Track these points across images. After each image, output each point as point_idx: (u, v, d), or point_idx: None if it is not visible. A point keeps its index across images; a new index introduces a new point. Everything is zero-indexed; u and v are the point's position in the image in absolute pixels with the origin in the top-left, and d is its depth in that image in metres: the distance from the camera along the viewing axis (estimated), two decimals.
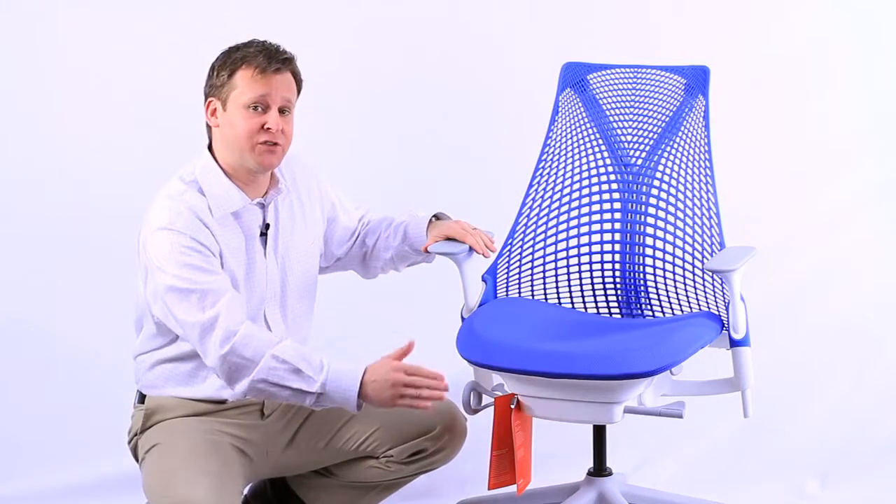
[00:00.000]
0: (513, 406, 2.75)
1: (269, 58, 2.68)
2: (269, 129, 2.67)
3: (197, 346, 2.61)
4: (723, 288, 2.87)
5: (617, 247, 3.09)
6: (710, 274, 2.93)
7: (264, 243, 2.77)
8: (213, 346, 2.56)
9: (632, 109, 3.11)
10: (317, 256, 2.90)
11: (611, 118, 3.11)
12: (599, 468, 3.03)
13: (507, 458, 2.78)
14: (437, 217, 3.00)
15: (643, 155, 3.08)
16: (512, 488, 2.81)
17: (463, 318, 2.96)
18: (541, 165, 3.13)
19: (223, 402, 2.77)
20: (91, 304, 3.71)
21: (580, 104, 3.13)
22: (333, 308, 3.11)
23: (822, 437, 3.62)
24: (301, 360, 2.56)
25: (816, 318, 3.81)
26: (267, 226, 2.77)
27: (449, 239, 2.94)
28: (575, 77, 3.14)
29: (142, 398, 2.79)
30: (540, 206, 3.12)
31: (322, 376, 2.56)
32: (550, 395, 2.73)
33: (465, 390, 2.89)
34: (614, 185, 3.09)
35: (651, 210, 3.06)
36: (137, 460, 2.80)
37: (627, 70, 3.13)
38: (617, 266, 3.09)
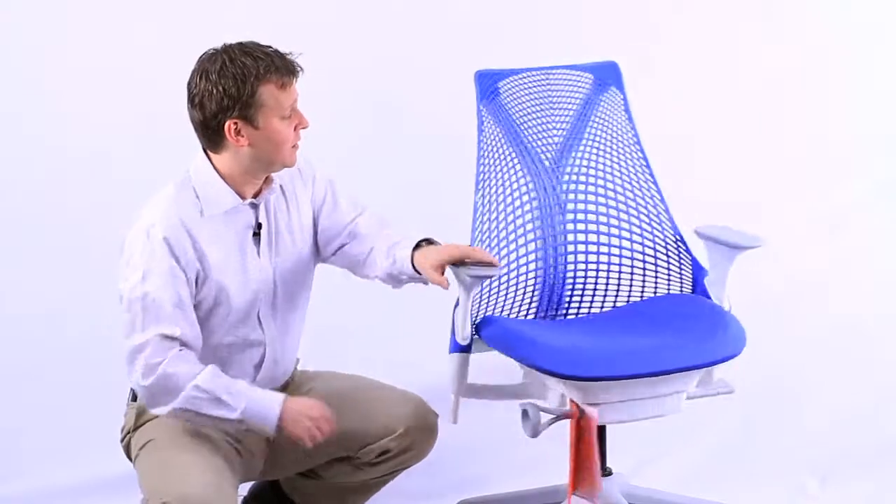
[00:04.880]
0: (580, 418, 2.71)
1: (287, 69, 2.68)
2: (304, 127, 2.71)
3: (124, 361, 2.65)
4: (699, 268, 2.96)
5: (543, 253, 3.07)
6: (677, 252, 3.01)
7: (257, 243, 2.77)
8: (136, 374, 2.64)
9: (542, 112, 3.10)
10: (310, 256, 2.88)
11: (520, 124, 3.08)
12: (600, 468, 3.02)
13: (590, 470, 2.74)
14: (427, 242, 2.85)
15: (554, 157, 3.08)
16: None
17: (456, 343, 2.88)
18: (480, 178, 3.06)
19: None
20: (91, 303, 3.71)
21: (489, 115, 3.09)
22: (331, 308, 3.11)
23: (822, 437, 3.62)
24: (223, 390, 2.63)
25: (816, 318, 3.81)
26: (259, 225, 2.78)
27: (458, 263, 2.79)
28: (488, 86, 3.09)
29: (135, 396, 2.80)
30: (489, 226, 3.04)
31: (242, 403, 2.63)
32: (628, 397, 2.71)
33: (527, 414, 2.72)
34: (533, 194, 3.06)
35: (579, 206, 3.07)
36: (130, 458, 2.81)
37: (537, 73, 3.11)
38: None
